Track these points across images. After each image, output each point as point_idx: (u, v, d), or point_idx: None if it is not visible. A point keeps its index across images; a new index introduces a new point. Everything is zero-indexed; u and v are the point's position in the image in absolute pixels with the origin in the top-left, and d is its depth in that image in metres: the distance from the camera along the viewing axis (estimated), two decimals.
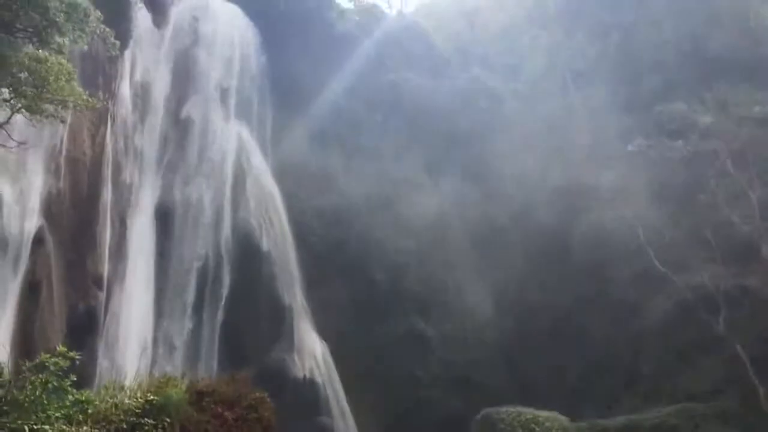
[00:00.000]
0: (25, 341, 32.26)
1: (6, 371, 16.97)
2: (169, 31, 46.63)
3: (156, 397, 20.87)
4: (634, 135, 45.19)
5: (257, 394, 25.10)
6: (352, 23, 59.41)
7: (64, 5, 23.38)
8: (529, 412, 33.23)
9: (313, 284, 43.68)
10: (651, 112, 45.12)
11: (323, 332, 42.90)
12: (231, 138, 45.72)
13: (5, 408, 16.05)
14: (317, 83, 49.31)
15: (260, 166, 46.00)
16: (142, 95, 43.73)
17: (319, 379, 40.78)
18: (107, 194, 38.30)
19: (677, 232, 39.61)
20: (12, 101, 24.08)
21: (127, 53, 41.47)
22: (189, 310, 41.07)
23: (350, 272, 44.80)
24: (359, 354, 42.26)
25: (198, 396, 23.29)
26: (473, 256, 46.30)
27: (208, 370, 37.74)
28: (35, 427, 15.74)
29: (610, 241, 41.93)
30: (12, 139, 26.28)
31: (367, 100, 50.92)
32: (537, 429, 32.12)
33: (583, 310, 42.51)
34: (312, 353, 41.68)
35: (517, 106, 51.95)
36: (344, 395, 41.08)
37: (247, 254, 42.76)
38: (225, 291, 41.94)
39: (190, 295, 41.40)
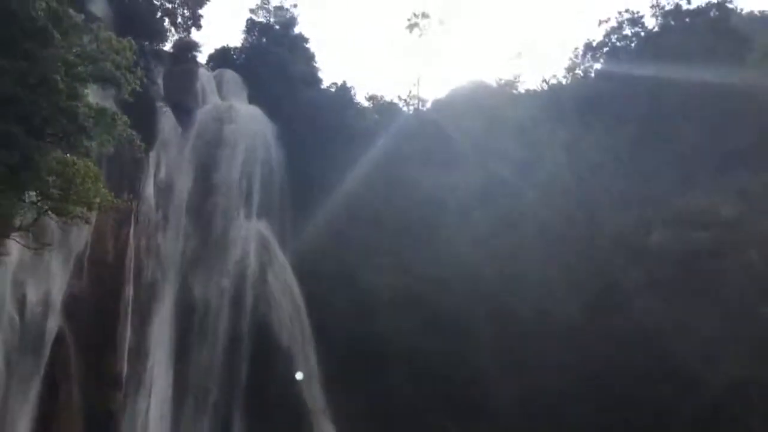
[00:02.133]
0: None
1: None
2: (193, 132, 47.98)
3: None
4: (655, 227, 44.93)
5: None
6: (370, 121, 60.84)
7: (92, 111, 24.22)
8: None
9: (333, 382, 42.77)
10: (671, 204, 44.99)
11: None
12: (252, 236, 46.14)
13: None
14: (336, 179, 49.95)
15: (281, 263, 46.14)
16: (166, 194, 44.59)
17: None
18: (129, 293, 38.48)
19: (705, 326, 38.62)
20: (39, 203, 24.61)
21: (152, 154, 42.64)
22: (208, 410, 40.41)
23: (372, 369, 43.80)
24: None
25: None
26: (497, 353, 45.09)
27: None
28: None
29: (638, 336, 40.91)
30: (37, 240, 26.70)
31: (386, 196, 51.27)
32: None
33: (612, 410, 40.95)
34: None
35: (536, 200, 51.91)
36: None
37: (267, 353, 42.37)
38: (244, 391, 41.34)
39: (209, 395, 40.84)
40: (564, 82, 64.31)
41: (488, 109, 59.18)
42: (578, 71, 63.79)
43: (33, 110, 22.92)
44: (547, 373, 43.08)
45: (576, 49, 63.48)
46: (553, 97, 60.62)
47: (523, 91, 65.92)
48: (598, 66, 62.04)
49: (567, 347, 43.06)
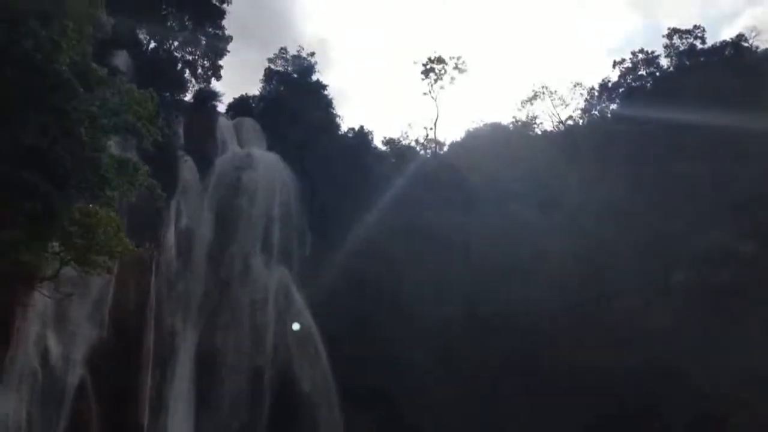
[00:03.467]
0: None
1: None
2: (212, 180, 48.53)
3: None
4: (675, 266, 44.37)
5: None
6: (388, 165, 61.23)
7: (115, 162, 24.55)
8: None
9: (354, 426, 42.29)
10: (691, 243, 44.48)
11: None
12: (272, 281, 46.26)
13: None
14: (354, 222, 50.15)
15: (300, 308, 46.10)
16: (187, 242, 44.90)
17: None
18: (150, 342, 38.39)
19: (731, 364, 37.84)
20: (62, 254, 24.77)
21: (173, 202, 43.03)
22: None
23: (394, 410, 43.27)
24: None
25: None
26: (524, 399, 44.14)
27: None
28: None
29: (664, 377, 40.11)
30: (58, 291, 26.80)
31: (403, 238, 51.15)
32: None
33: None
34: None
35: (554, 242, 51.41)
36: None
37: (289, 399, 42.14)
38: None
39: None
40: (580, 122, 64.48)
41: (505, 151, 59.39)
42: (594, 112, 64.02)
43: (56, 161, 23.29)
44: (572, 418, 42.16)
45: (592, 89, 63.91)
46: (569, 138, 60.78)
47: (539, 132, 66.12)
48: (614, 107, 62.31)
49: (591, 391, 42.21)
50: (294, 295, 46.47)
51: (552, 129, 65.70)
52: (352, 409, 43.06)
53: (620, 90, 61.75)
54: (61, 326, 34.50)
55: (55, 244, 24.58)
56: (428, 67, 67.19)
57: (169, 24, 50.24)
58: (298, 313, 45.68)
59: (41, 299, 29.94)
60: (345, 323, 46.22)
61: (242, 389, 42.06)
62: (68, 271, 26.87)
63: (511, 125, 66.46)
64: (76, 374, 34.14)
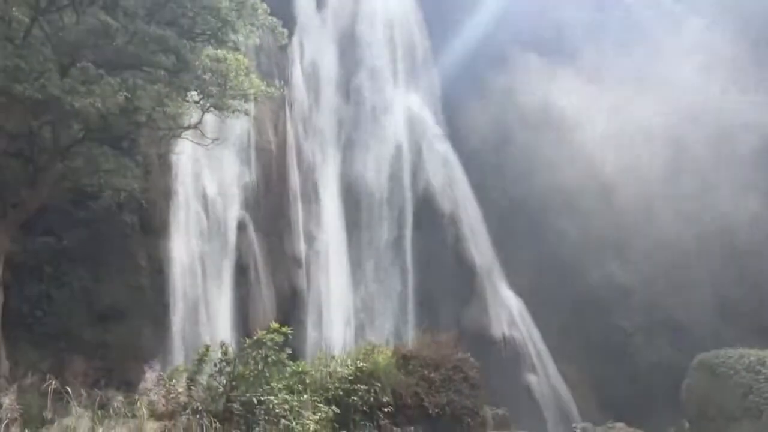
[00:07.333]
0: (241, 320, 35.54)
1: (230, 349, 18.57)
2: (329, 12, 47.70)
3: (365, 364, 22.05)
4: None
5: (460, 355, 25.66)
6: None
7: (234, 3, 24.75)
8: (753, 353, 30.38)
9: (499, 242, 43.19)
10: None
11: (514, 289, 42.47)
12: (401, 107, 46.15)
13: (234, 383, 17.64)
14: (483, 37, 47.64)
15: (433, 130, 46.00)
16: (314, 77, 45.34)
17: (518, 336, 40.64)
18: (294, 178, 40.59)
19: None
20: (201, 102, 26.06)
21: (295, 39, 43.23)
22: (382, 278, 42.62)
23: (536, 227, 43.48)
24: (554, 309, 41.21)
25: (404, 360, 24.25)
26: (668, 184, 42.10)
27: (408, 334, 38.91)
28: (262, 398, 17.21)
29: None
30: (206, 136, 28.44)
31: (536, 45, 48.41)
32: (765, 371, 29.27)
33: None
34: (508, 310, 41.55)
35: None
36: (546, 350, 40.57)
37: (431, 218, 43.40)
38: (413, 256, 42.97)
39: (381, 263, 42.92)
40: None
41: None
42: None
43: (179, 12, 23.92)
44: (725, 200, 39.79)
45: None
46: None
47: None
48: None
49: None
50: (426, 117, 46.32)
51: None
52: (495, 224, 43.72)
53: None
54: (213, 172, 37.20)
55: (194, 93, 25.81)
56: None
57: None
58: (431, 136, 45.73)
59: (191, 147, 32.08)
60: (483, 143, 45.52)
61: (385, 211, 43.70)
62: (210, 118, 28.39)
63: None
64: (234, 212, 37.20)
